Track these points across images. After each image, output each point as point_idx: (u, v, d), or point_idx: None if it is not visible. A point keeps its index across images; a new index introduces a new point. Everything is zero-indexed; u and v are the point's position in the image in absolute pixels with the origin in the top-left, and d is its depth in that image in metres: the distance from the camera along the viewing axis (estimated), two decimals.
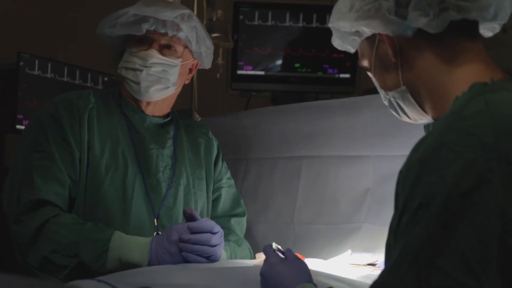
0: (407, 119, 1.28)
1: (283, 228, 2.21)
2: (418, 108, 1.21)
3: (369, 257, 1.92)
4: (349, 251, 1.99)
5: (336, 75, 2.86)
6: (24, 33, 3.75)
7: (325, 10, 2.86)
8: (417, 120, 1.26)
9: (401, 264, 0.93)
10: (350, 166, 2.17)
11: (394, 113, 1.28)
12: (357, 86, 2.85)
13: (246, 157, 2.40)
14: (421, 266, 0.90)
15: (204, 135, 2.05)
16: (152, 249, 1.61)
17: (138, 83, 1.82)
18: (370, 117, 2.20)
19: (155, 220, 1.80)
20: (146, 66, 1.81)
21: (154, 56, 1.81)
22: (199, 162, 1.98)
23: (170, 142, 1.92)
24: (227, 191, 2.03)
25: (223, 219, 1.98)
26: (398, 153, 2.10)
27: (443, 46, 1.14)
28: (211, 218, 1.95)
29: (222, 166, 2.05)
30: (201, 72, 2.42)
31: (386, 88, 1.24)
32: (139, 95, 1.85)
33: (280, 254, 1.40)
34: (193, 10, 2.45)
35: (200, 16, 2.38)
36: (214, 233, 1.66)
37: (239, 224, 2.02)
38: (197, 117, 2.43)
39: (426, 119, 1.25)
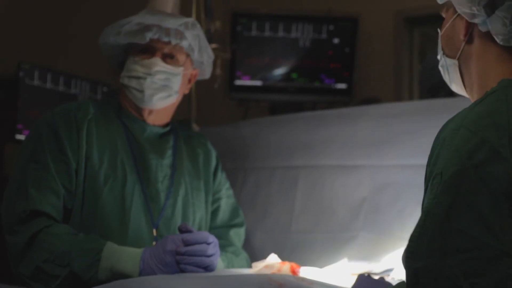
0: (450, 86, 1.35)
1: (281, 237, 2.22)
2: (461, 83, 1.29)
3: (365, 266, 1.93)
4: (346, 259, 2.00)
5: (333, 85, 2.89)
6: (24, 43, 3.77)
7: (322, 21, 2.89)
8: (458, 91, 1.34)
9: (427, 230, 1.03)
10: (347, 176, 2.19)
11: (443, 75, 1.35)
12: (354, 96, 2.88)
13: (244, 166, 2.41)
14: (445, 231, 1.00)
15: (202, 146, 2.06)
16: (144, 259, 1.62)
17: (142, 91, 1.83)
18: (367, 127, 2.22)
19: (154, 230, 1.81)
20: (150, 74, 1.82)
21: (158, 64, 1.83)
22: (197, 173, 1.99)
23: (169, 152, 1.94)
24: (226, 202, 2.04)
25: (222, 229, 1.99)
26: (394, 162, 2.12)
27: (500, 48, 1.21)
28: (210, 229, 1.97)
29: (221, 177, 2.06)
30: (199, 83, 2.44)
31: (445, 52, 1.30)
32: (142, 103, 1.86)
33: None
34: None
35: None
36: (209, 243, 1.67)
37: (238, 235, 2.03)
38: (196, 127, 2.45)
39: (466, 95, 1.33)
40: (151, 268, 1.61)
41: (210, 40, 2.36)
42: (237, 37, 2.83)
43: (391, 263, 1.93)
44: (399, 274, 1.81)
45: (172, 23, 1.84)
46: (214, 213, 2.01)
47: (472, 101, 1.28)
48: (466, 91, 1.30)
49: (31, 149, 1.78)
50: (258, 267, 1.71)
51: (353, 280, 1.78)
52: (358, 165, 2.18)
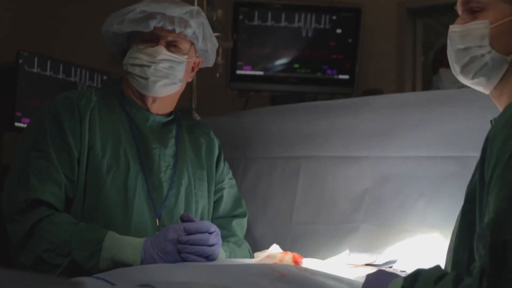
0: (468, 81, 1.33)
1: (282, 228, 2.21)
2: (497, 81, 1.28)
3: (367, 257, 1.92)
4: (347, 251, 1.99)
5: (335, 76, 2.87)
6: (23, 32, 3.75)
7: (325, 11, 2.87)
8: (476, 87, 1.33)
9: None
10: (349, 167, 2.18)
11: (466, 70, 1.32)
12: (356, 87, 2.86)
13: (245, 156, 2.40)
14: None
15: (205, 135, 2.05)
16: (146, 248, 1.61)
17: (146, 78, 1.82)
18: (369, 118, 2.20)
19: (157, 220, 1.80)
20: (154, 62, 1.81)
21: (162, 52, 1.82)
22: (200, 162, 1.98)
23: (172, 141, 1.92)
24: (228, 192, 2.03)
25: (224, 220, 1.98)
26: (396, 154, 2.11)
27: None
28: (213, 219, 1.96)
29: (224, 167, 2.05)
30: (200, 72, 2.41)
31: (494, 46, 1.28)
32: (147, 90, 1.85)
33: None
34: None
35: None
36: (211, 233, 1.66)
37: (240, 225, 2.02)
38: (197, 117, 2.43)
39: (485, 91, 1.32)
40: (152, 257, 1.59)
41: (212, 29, 2.35)
42: (239, 26, 2.81)
43: (394, 255, 1.92)
44: (402, 265, 1.80)
45: (177, 11, 1.82)
46: (217, 203, 2.00)
47: (498, 102, 1.31)
48: (494, 90, 1.31)
49: (32, 138, 1.76)
50: (260, 257, 1.70)
51: (354, 272, 1.77)
52: (360, 156, 2.17)
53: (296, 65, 2.84)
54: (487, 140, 1.15)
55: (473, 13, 1.32)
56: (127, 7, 1.83)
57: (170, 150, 1.90)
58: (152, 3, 1.84)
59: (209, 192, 1.97)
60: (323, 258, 1.98)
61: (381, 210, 2.07)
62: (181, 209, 1.85)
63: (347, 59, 2.84)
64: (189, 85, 2.47)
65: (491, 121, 1.33)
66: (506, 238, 1.01)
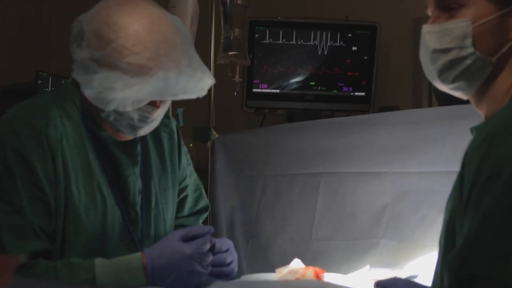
0: (446, 86, 1.23)
1: (302, 244, 2.21)
2: (479, 85, 1.19)
3: (388, 273, 1.92)
4: (368, 266, 1.99)
5: (351, 93, 2.88)
6: (41, 52, 3.79)
7: (340, 29, 2.88)
8: (454, 93, 1.23)
9: (485, 234, 0.97)
10: (368, 183, 2.18)
11: (445, 74, 1.21)
12: (372, 104, 2.86)
13: (263, 173, 2.40)
14: (507, 235, 0.94)
15: (165, 127, 1.77)
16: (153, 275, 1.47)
17: (134, 133, 1.58)
18: (387, 133, 2.21)
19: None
20: (146, 123, 1.55)
21: (156, 112, 1.55)
22: (164, 165, 1.75)
23: (138, 148, 1.66)
24: (190, 187, 1.85)
25: (190, 219, 1.85)
26: (416, 169, 2.11)
27: None
28: (178, 218, 1.81)
29: (185, 157, 1.82)
30: (218, 90, 2.44)
31: (477, 47, 1.17)
32: (130, 135, 1.60)
33: None
34: (211, 29, 2.48)
35: (218, 33, 2.40)
36: (225, 251, 1.61)
37: (203, 219, 1.91)
38: (215, 135, 2.44)
39: (462, 95, 1.22)
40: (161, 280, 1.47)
41: (229, 48, 2.37)
42: (255, 45, 2.83)
43: (414, 270, 1.92)
44: (423, 281, 1.79)
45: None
46: (182, 201, 1.83)
47: (479, 108, 1.22)
48: (475, 95, 1.21)
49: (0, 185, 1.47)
50: (282, 272, 1.70)
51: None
52: (380, 172, 2.17)
53: (312, 83, 2.86)
54: (466, 155, 1.08)
55: (450, 10, 1.19)
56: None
57: (139, 168, 1.66)
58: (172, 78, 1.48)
59: (173, 196, 1.78)
60: (344, 274, 1.97)
61: (401, 226, 2.07)
62: (153, 234, 1.67)
63: (363, 76, 2.85)
64: (207, 104, 2.49)
65: (471, 129, 1.24)
66: (474, 273, 0.96)
